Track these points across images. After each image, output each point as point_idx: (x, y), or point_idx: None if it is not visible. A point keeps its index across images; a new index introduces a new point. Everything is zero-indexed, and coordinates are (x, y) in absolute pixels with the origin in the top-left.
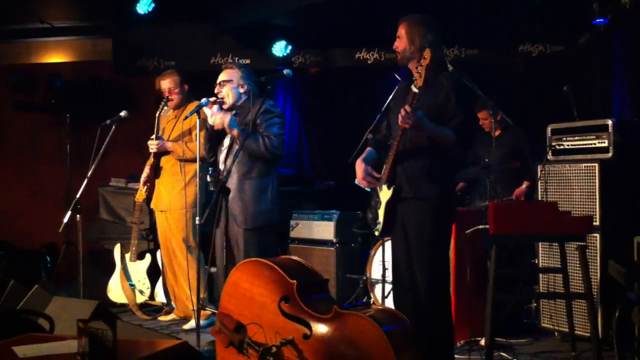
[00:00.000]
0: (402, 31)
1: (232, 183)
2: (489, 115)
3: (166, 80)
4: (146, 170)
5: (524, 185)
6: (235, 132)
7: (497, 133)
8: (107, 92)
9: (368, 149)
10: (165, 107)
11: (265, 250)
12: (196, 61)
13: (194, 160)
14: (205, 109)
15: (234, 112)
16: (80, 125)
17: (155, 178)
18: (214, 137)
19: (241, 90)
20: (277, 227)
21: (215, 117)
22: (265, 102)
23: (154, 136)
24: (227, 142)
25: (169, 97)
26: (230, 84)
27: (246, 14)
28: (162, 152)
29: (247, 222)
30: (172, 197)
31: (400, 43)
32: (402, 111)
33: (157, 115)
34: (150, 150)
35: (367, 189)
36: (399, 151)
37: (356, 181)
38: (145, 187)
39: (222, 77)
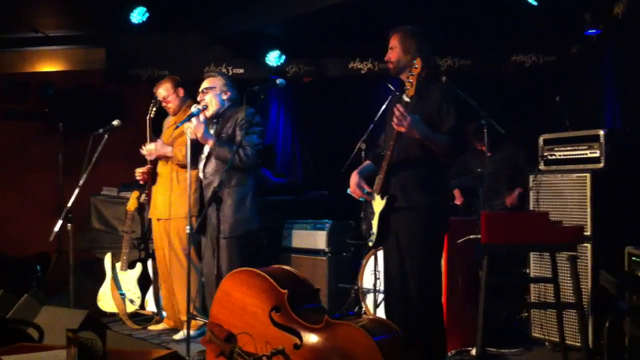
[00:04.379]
0: (395, 42)
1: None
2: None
3: (160, 90)
4: (141, 173)
5: (516, 192)
6: (210, 142)
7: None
8: (99, 101)
9: (367, 162)
10: (154, 109)
11: (247, 258)
12: (189, 70)
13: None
14: (193, 119)
15: (214, 120)
16: (72, 134)
17: (152, 185)
18: (198, 146)
19: (224, 97)
20: (257, 234)
21: (190, 128)
22: (246, 111)
23: (147, 143)
24: (206, 150)
25: (165, 105)
26: (213, 91)
27: (240, 23)
28: (158, 158)
29: (227, 232)
30: (168, 205)
31: (393, 54)
32: (396, 111)
33: (147, 118)
34: (148, 157)
35: (360, 198)
36: (392, 161)
37: (349, 190)
38: (144, 194)
39: (204, 85)
